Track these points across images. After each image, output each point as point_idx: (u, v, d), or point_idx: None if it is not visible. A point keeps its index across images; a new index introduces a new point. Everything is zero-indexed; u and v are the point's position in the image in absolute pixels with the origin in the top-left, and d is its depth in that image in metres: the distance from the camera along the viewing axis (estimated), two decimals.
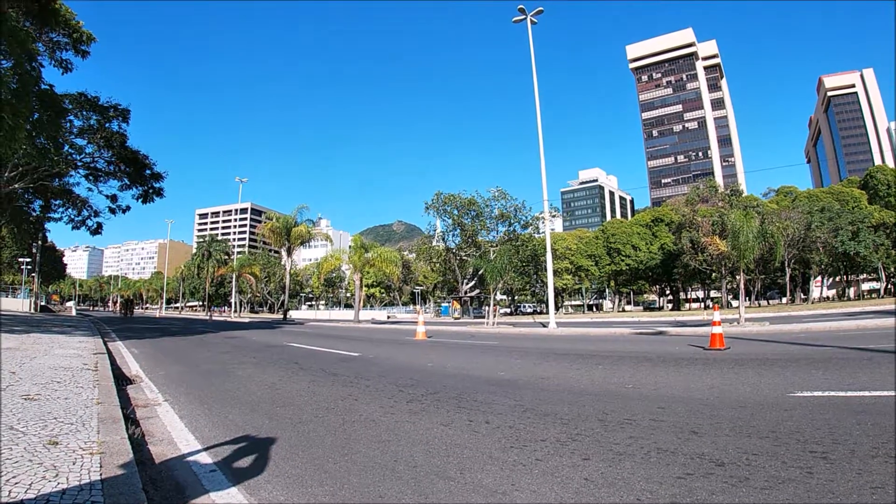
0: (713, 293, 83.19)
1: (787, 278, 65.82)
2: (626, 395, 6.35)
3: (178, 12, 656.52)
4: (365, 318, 54.25)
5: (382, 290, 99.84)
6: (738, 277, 20.53)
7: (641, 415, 5.15)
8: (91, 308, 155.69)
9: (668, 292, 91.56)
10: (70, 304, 77.44)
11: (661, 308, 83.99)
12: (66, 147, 29.84)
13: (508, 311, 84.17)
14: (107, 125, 30.24)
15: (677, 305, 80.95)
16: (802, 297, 73.44)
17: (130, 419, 5.26)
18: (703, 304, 77.46)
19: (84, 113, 29.44)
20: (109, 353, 11.75)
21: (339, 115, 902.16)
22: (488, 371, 9.22)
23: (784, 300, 70.63)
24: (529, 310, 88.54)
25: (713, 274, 66.19)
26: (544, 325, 26.08)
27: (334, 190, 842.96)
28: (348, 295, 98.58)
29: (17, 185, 29.33)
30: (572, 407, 5.69)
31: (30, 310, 47.64)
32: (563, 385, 7.34)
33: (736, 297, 62.02)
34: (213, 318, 57.18)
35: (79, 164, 31.54)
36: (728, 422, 4.71)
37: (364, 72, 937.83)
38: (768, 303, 77.71)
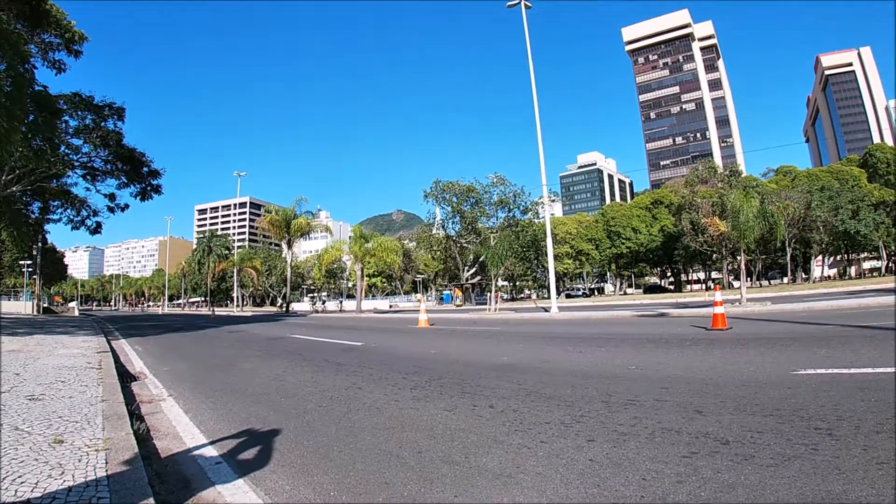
0: (714, 274, 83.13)
1: (788, 258, 65.77)
2: (629, 376, 6.36)
3: (175, 10, 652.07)
4: (367, 307, 54.30)
5: (384, 280, 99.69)
6: (739, 258, 20.51)
7: (645, 395, 5.14)
8: (93, 308, 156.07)
9: (669, 274, 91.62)
10: (72, 304, 77.47)
11: (664, 289, 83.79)
12: (63, 148, 29.84)
13: (509, 297, 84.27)
14: (102, 124, 30.27)
15: (679, 287, 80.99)
16: (804, 276, 73.43)
17: (135, 415, 5.26)
18: (704, 286, 77.42)
19: (79, 113, 29.47)
20: (113, 351, 11.76)
21: (336, 107, 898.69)
22: (491, 356, 9.27)
23: (785, 280, 70.63)
24: (534, 295, 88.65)
25: (714, 255, 66.18)
26: (546, 310, 26.13)
27: (333, 182, 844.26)
28: (350, 286, 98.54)
29: (14, 188, 29.37)
30: (575, 389, 5.69)
31: (32, 312, 47.65)
32: (565, 368, 7.36)
33: (737, 278, 62.12)
34: (216, 313, 57.26)
35: (76, 164, 31.59)
36: (732, 400, 4.70)
37: (360, 64, 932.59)
38: (769, 283, 77.59)
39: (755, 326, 12.03)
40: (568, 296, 75.30)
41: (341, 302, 70.76)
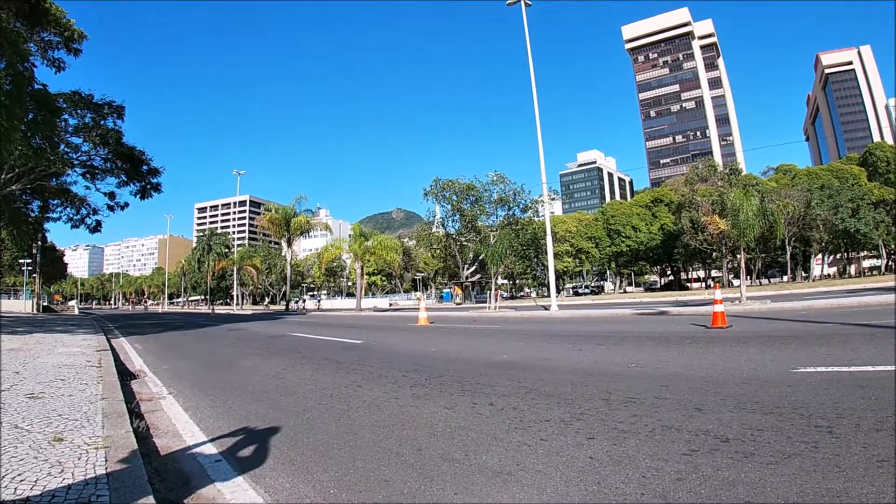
0: (714, 273, 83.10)
1: (788, 257, 65.74)
2: (629, 374, 6.35)
3: (174, 10, 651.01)
4: (367, 305, 54.25)
5: (383, 278, 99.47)
6: (738, 256, 20.59)
7: (645, 393, 5.14)
8: (93, 306, 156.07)
9: (668, 273, 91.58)
10: (72, 303, 77.47)
11: (668, 287, 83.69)
12: (62, 146, 29.78)
13: (509, 295, 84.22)
14: (102, 122, 30.17)
15: (679, 285, 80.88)
16: (803, 275, 73.46)
17: (135, 413, 5.26)
18: (704, 284, 77.41)
19: (79, 111, 29.36)
20: (113, 349, 11.76)
21: (336, 107, 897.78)
22: (491, 354, 9.27)
23: (785, 278, 70.63)
24: (533, 293, 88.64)
25: (713, 253, 66.14)
26: (546, 308, 26.09)
27: (332, 180, 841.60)
28: (349, 284, 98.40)
29: (14, 187, 29.29)
30: (575, 387, 5.68)
31: (32, 310, 47.66)
32: (565, 366, 7.35)
33: (737, 277, 62.17)
34: (216, 311, 57.21)
35: (75, 162, 31.52)
36: (732, 398, 4.70)
37: (360, 64, 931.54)
38: (769, 281, 77.51)
39: (755, 324, 12.01)
40: (575, 293, 75.45)
41: (319, 301, 70.44)
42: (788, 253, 64.75)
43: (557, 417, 4.46)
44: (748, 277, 68.20)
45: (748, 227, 20.07)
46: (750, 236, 20.69)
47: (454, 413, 4.84)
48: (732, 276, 64.61)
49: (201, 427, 4.88)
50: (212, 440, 4.39)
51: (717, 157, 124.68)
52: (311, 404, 5.61)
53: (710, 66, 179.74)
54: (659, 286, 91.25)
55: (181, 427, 4.94)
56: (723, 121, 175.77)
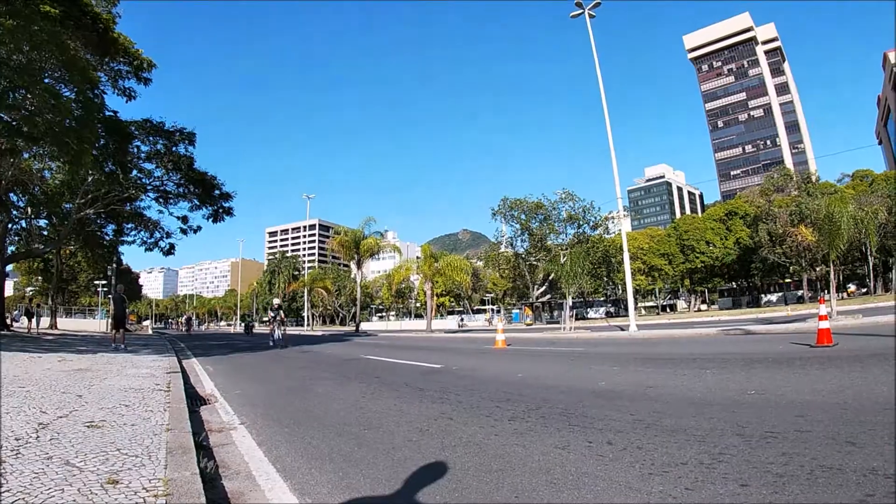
0: (789, 289, 79.56)
1: (870, 268, 62.13)
2: (751, 402, 5.72)
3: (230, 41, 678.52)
4: (436, 326, 53.93)
5: (452, 299, 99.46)
6: (826, 269, 19.23)
7: (782, 426, 4.52)
8: (171, 326, 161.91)
9: (745, 289, 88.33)
10: (146, 323, 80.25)
11: (741, 304, 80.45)
12: (135, 172, 30.81)
13: (577, 315, 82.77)
14: (174, 149, 31.12)
15: (755, 302, 77.83)
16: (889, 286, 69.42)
17: (203, 448, 4.76)
18: (784, 300, 74.11)
19: (150, 138, 30.33)
20: (183, 371, 11.58)
21: (396, 131, 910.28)
22: (586, 381, 8.56)
23: (863, 290, 67.02)
24: (597, 314, 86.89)
25: (791, 267, 63.48)
26: (622, 329, 25.19)
27: (398, 202, 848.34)
28: (418, 305, 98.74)
29: (89, 211, 30.24)
30: (699, 420, 4.99)
31: (107, 330, 49.27)
32: (676, 394, 6.62)
33: (811, 291, 60.08)
34: (287, 332, 57.94)
35: (148, 187, 32.58)
36: (882, 427, 4.18)
37: (425, 87, 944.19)
38: (848, 295, 73.64)
39: (860, 341, 11.32)
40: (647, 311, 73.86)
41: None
42: (870, 264, 61.13)
43: (694, 459, 3.79)
44: (826, 291, 64.90)
45: (839, 236, 18.70)
46: (842, 246, 19.30)
47: (569, 454, 4.14)
48: (809, 292, 61.92)
49: (277, 467, 4.28)
50: (288, 482, 3.84)
51: (789, 166, 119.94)
52: (399, 441, 4.94)
53: (776, 71, 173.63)
54: (743, 303, 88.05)
55: (254, 467, 4.36)
56: (792, 128, 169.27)
